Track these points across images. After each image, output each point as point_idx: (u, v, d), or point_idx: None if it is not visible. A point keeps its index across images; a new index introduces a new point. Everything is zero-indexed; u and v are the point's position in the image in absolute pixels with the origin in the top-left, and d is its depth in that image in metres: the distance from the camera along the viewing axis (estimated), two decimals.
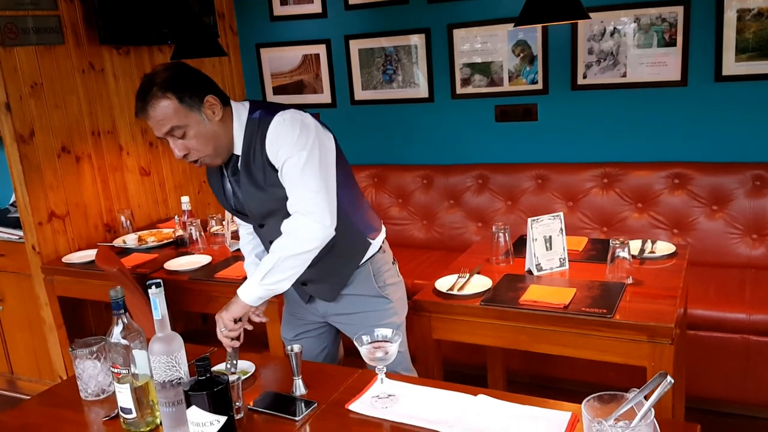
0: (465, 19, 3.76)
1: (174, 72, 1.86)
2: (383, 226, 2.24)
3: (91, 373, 1.78)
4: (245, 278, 2.65)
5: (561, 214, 2.47)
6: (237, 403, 1.55)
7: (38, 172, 3.17)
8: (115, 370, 1.58)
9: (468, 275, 2.43)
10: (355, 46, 4.08)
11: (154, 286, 1.45)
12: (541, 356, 2.91)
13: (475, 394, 1.62)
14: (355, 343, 1.61)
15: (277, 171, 1.90)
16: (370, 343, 1.61)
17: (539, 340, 2.16)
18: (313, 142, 1.87)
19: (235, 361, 1.83)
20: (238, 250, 3.05)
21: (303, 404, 1.61)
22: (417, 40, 3.90)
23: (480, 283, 2.37)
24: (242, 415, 1.58)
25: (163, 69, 1.86)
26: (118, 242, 3.28)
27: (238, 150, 1.94)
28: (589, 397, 1.32)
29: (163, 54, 3.78)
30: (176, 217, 3.32)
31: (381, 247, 2.17)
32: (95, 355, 1.78)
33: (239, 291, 1.94)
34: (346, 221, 2.01)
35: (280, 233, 1.91)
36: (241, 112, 1.94)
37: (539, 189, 3.68)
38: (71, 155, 3.33)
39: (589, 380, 3.00)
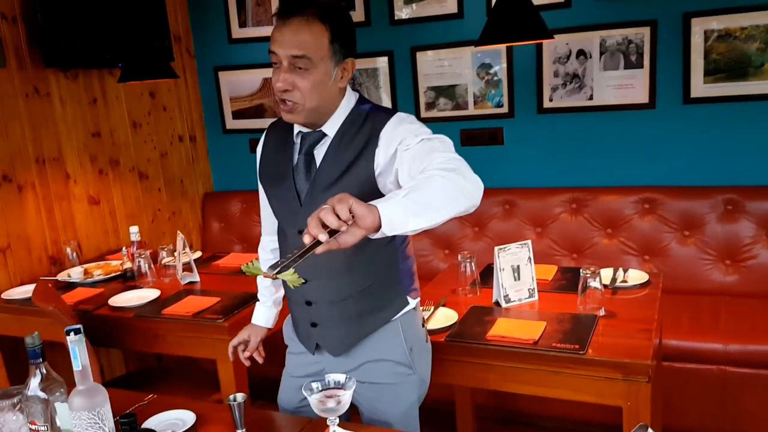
0: (429, 42, 3.66)
1: (340, 11, 1.67)
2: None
3: (12, 427, 1.59)
4: (197, 313, 2.49)
5: (529, 242, 2.35)
6: None
7: None
8: (33, 427, 1.40)
9: (432, 308, 2.29)
10: None
11: (72, 333, 1.29)
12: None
13: None
14: (304, 392, 1.45)
15: (369, 170, 1.63)
16: (321, 391, 1.45)
17: (508, 378, 2.03)
18: None
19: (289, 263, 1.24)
20: (190, 283, 2.89)
21: None
22: (380, 63, 3.79)
23: (445, 316, 2.24)
24: None
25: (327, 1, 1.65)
26: (62, 276, 3.07)
27: (328, 130, 1.70)
28: None
29: (113, 77, 3.61)
30: (124, 248, 3.13)
31: (416, 307, 1.87)
32: (18, 407, 1.59)
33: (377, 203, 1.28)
34: (393, 262, 1.78)
35: (333, 265, 1.69)
36: (351, 97, 1.74)
37: (507, 215, 3.56)
38: (13, 184, 3.13)
39: (562, 415, 2.87)
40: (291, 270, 1.24)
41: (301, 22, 1.57)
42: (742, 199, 3.15)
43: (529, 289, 2.33)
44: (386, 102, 3.82)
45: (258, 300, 2.08)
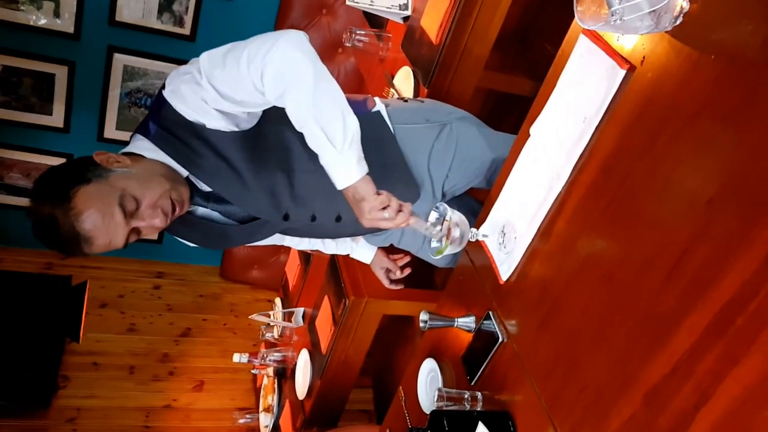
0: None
1: (45, 179, 1.46)
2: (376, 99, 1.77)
3: None
4: (337, 317, 2.44)
5: None
6: None
7: None
8: None
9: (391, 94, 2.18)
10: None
11: None
12: None
13: None
14: (432, 256, 1.40)
15: (227, 136, 1.48)
16: (440, 238, 1.38)
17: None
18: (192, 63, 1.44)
19: (431, 227, 1.40)
20: (303, 317, 2.85)
21: None
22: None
23: (405, 77, 2.13)
24: None
25: (33, 195, 1.44)
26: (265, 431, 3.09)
27: (185, 172, 1.54)
28: None
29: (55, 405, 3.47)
30: (253, 370, 3.11)
31: (387, 104, 1.75)
32: None
33: (342, 185, 1.40)
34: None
35: (322, 202, 1.64)
36: (141, 143, 1.52)
37: None
38: None
39: None
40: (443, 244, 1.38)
41: (80, 223, 1.38)
42: None
43: None
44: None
45: (349, 255, 2.15)
